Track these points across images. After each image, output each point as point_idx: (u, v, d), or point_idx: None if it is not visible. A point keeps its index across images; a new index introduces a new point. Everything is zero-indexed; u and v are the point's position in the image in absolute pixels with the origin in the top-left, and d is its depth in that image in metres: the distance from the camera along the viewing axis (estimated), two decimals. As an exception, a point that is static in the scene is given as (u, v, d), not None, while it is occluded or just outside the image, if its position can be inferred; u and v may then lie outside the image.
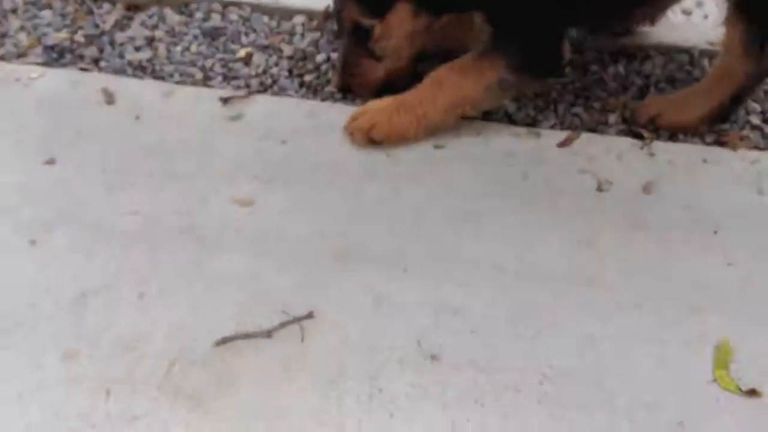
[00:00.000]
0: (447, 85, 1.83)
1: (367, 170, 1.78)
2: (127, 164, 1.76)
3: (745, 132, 1.97)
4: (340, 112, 1.92)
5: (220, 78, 2.10)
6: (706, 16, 2.31)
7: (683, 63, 2.21)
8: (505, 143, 1.87)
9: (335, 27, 2.20)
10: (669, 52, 2.22)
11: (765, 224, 1.69)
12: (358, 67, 1.93)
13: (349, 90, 2.00)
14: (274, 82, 2.10)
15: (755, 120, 2.01)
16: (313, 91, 2.08)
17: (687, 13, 2.32)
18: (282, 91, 2.06)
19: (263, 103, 1.96)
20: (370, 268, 1.56)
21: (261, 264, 1.56)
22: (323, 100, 2.03)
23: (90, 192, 1.69)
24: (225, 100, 1.94)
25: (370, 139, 1.83)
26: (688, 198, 1.74)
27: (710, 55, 2.19)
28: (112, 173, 1.74)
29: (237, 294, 1.50)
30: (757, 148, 1.92)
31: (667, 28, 2.21)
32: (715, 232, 1.67)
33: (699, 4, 2.33)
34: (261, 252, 1.58)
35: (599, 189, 1.76)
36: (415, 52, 1.94)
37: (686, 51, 2.22)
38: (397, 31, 1.84)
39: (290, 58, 2.18)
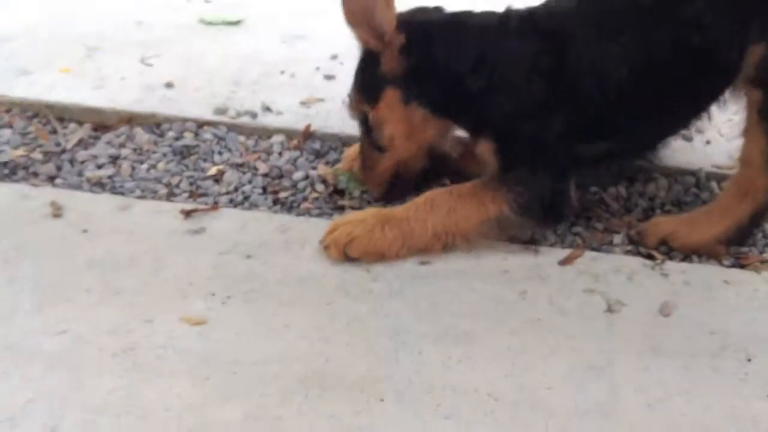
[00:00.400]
0: (442, 207, 1.65)
1: (342, 287, 1.55)
2: (63, 279, 1.53)
3: (766, 255, 1.77)
4: (316, 227, 1.72)
5: (185, 195, 1.92)
6: (708, 142, 2.19)
7: (689, 185, 2.05)
8: (500, 260, 1.65)
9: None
10: (674, 174, 2.07)
11: (805, 352, 1.43)
12: (367, 160, 1.83)
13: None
14: (246, 198, 1.92)
15: (776, 243, 1.82)
16: (288, 208, 1.90)
17: (688, 139, 2.20)
18: (254, 208, 1.88)
19: (230, 216, 1.76)
20: (339, 397, 1.29)
21: (204, 392, 1.29)
22: (300, 216, 1.84)
23: (15, 309, 1.45)
24: (187, 213, 1.75)
25: (347, 254, 1.61)
26: (712, 321, 1.50)
27: (718, 178, 2.04)
28: (45, 289, 1.51)
29: (171, 429, 1.22)
30: (783, 272, 1.71)
31: (670, 151, 2.06)
32: (749, 360, 1.41)
33: (699, 131, 2.22)
34: (206, 378, 1.32)
35: (609, 310, 1.52)
36: (420, 152, 1.81)
37: (692, 173, 2.07)
38: (388, 119, 1.74)
39: (265, 175, 2.02)
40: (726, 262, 1.75)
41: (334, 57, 2.67)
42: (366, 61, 1.77)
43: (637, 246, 1.79)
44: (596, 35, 1.69)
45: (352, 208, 1.89)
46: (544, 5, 1.80)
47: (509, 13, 1.75)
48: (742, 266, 1.73)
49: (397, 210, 1.69)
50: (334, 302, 1.51)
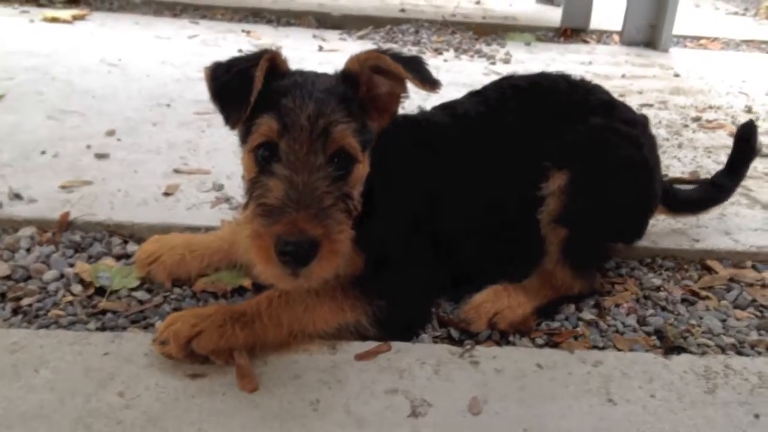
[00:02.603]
0: (298, 304, 1.44)
1: (82, 420, 1.22)
2: None
3: (579, 329, 1.66)
4: (58, 343, 1.39)
5: None
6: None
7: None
8: (290, 363, 1.41)
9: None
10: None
11: (628, 441, 1.29)
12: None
13: None
14: (-24, 309, 1.55)
15: (588, 315, 1.71)
16: (31, 317, 1.54)
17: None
18: (-17, 323, 1.51)
19: (-62, 341, 1.38)
20: None
21: None
22: (43, 327, 1.49)
23: None
24: None
25: (190, 351, 1.35)
26: (526, 415, 1.33)
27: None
28: None
29: None
30: (596, 347, 1.59)
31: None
32: (569, 461, 1.24)
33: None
34: None
35: (414, 414, 1.31)
36: None
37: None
38: (363, 173, 1.47)
39: (6, 278, 1.66)
40: (539, 340, 1.61)
41: (111, 133, 2.37)
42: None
43: (448, 329, 1.62)
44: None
45: (114, 312, 1.58)
46: (423, 115, 1.81)
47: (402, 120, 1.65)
48: (555, 344, 1.60)
49: (245, 306, 1.43)
50: (70, 442, 1.17)
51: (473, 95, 1.86)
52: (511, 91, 1.81)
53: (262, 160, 1.37)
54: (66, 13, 4.28)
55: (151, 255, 1.68)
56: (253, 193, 1.35)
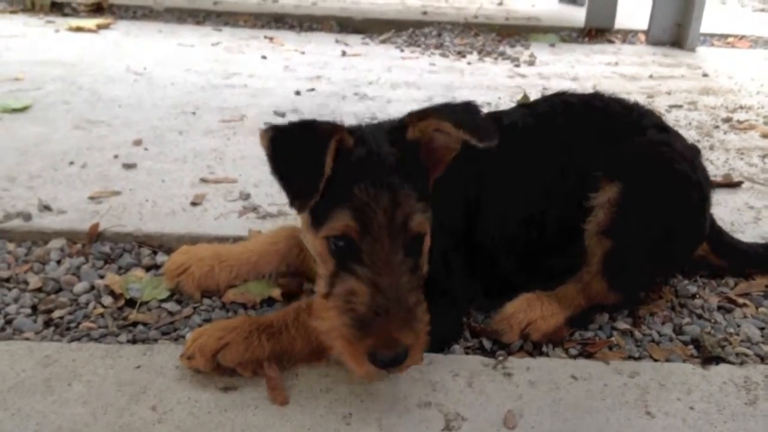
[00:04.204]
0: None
1: (116, 435, 1.22)
2: None
3: (614, 339, 1.62)
4: (90, 356, 1.39)
5: (-76, 325, 1.52)
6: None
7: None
8: (321, 376, 1.39)
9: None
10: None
11: (667, 455, 1.26)
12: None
13: None
14: (8, 322, 1.56)
15: (622, 324, 1.68)
16: (63, 330, 1.55)
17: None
18: (17, 334, 1.51)
19: (-27, 351, 1.39)
20: None
21: None
22: (75, 340, 1.49)
23: None
24: None
25: (217, 364, 1.35)
26: (563, 430, 1.31)
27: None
28: None
29: None
30: (631, 357, 1.56)
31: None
32: (608, 477, 1.22)
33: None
34: None
35: (448, 428, 1.29)
36: None
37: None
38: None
39: (37, 290, 1.66)
40: (573, 351, 1.58)
41: (138, 143, 2.37)
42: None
43: (480, 339, 1.60)
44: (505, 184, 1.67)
45: (145, 324, 1.57)
46: None
47: None
48: (590, 354, 1.57)
49: (272, 317, 1.43)
50: (105, 458, 1.17)
51: (521, 107, 1.84)
52: (562, 107, 1.77)
53: (338, 251, 1.31)
54: (91, 23, 4.32)
55: (180, 266, 1.67)
56: (332, 289, 1.31)
